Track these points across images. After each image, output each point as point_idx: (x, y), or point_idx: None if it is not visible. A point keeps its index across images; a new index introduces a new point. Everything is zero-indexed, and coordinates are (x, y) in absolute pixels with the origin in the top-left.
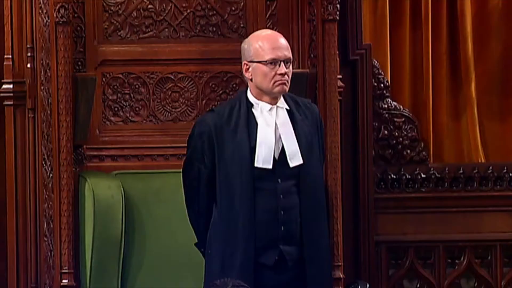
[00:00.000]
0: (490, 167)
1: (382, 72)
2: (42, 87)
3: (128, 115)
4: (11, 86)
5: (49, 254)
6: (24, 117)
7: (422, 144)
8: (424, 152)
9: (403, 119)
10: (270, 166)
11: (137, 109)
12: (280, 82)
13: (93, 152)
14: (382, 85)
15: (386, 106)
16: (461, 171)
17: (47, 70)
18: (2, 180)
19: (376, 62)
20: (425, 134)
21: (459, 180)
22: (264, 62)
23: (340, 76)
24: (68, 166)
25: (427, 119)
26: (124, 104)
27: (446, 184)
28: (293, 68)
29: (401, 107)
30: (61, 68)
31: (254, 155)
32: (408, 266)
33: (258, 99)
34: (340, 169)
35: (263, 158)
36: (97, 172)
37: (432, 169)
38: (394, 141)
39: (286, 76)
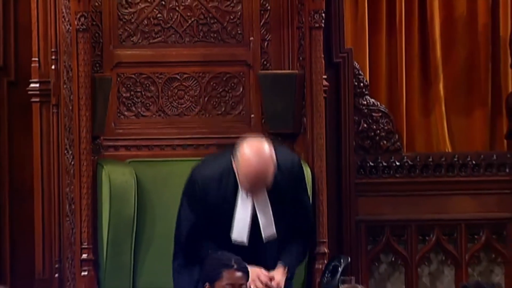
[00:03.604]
0: (456, 156)
1: (362, 73)
2: (64, 86)
3: (139, 110)
4: (37, 85)
5: (71, 231)
6: (49, 112)
7: (397, 136)
8: (398, 143)
9: (380, 114)
10: (246, 243)
11: (147, 105)
12: (257, 192)
13: (109, 143)
14: (361, 84)
15: (365, 102)
16: (430, 159)
17: (69, 71)
18: (30, 167)
19: (356, 64)
20: (399, 127)
21: (429, 167)
22: (241, 182)
23: (325, 76)
24: (87, 155)
25: (401, 114)
26: (136, 100)
27: (417, 170)
28: (283, 70)
29: (378, 103)
30: (81, 69)
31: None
32: (384, 242)
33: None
34: (325, 157)
35: (238, 234)
36: (113, 160)
37: (405, 157)
38: (372, 133)
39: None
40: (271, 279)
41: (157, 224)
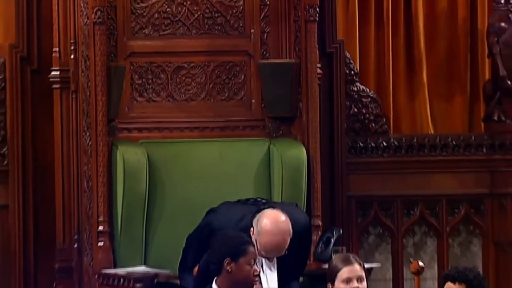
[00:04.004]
0: (438, 137)
1: (352, 62)
2: (82, 74)
3: (151, 96)
4: (58, 73)
5: (88, 206)
6: (69, 97)
7: (384, 119)
8: (385, 126)
9: (369, 99)
10: None
11: (158, 91)
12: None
13: (123, 125)
14: (352, 72)
15: (355, 89)
16: (415, 140)
17: (87, 60)
18: (51, 147)
19: (347, 54)
20: (386, 111)
21: (413, 147)
22: (261, 253)
23: (319, 65)
24: (103, 137)
25: (388, 99)
26: (148, 87)
27: (403, 150)
28: (281, 59)
29: (368, 89)
30: (98, 58)
31: None
32: (373, 215)
33: None
34: (319, 138)
35: None
36: (126, 141)
37: (392, 139)
38: (362, 117)
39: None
40: None
41: (166, 199)
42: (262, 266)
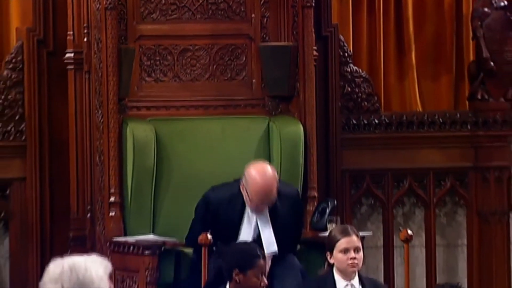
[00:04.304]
0: (426, 115)
1: (346, 45)
2: (95, 55)
3: (158, 76)
4: (72, 54)
5: (100, 179)
6: (82, 77)
7: (376, 98)
8: (377, 104)
9: (361, 79)
10: None
11: (165, 71)
12: (262, 210)
13: (132, 104)
14: (346, 54)
15: (349, 69)
16: (404, 118)
17: (99, 43)
18: (65, 124)
19: (341, 37)
20: (378, 90)
21: (403, 124)
22: (251, 198)
23: (315, 48)
24: (114, 114)
25: (379, 79)
26: (155, 68)
27: (393, 127)
28: (280, 42)
29: (360, 70)
30: (109, 41)
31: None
32: (365, 187)
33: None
34: (315, 116)
35: None
36: (136, 119)
37: (383, 116)
38: (355, 96)
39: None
40: None
41: (173, 172)
42: (257, 223)
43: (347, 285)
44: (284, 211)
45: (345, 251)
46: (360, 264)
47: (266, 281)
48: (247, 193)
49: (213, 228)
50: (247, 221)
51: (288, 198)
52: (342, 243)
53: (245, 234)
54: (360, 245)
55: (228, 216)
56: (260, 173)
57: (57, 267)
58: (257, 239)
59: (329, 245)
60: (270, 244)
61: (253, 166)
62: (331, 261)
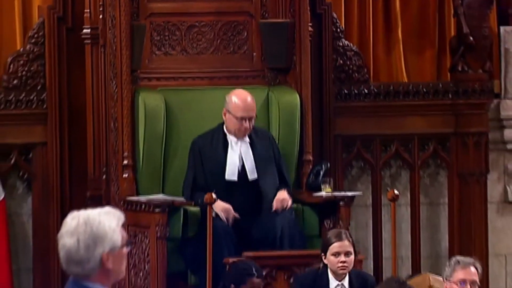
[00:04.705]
0: (411, 85)
1: (338, 21)
2: (109, 31)
3: (167, 50)
4: (89, 30)
5: (115, 143)
6: (98, 51)
7: (365, 70)
8: (366, 75)
9: (352, 53)
10: (236, 179)
11: (173, 46)
12: (244, 132)
13: (144, 75)
14: (338, 30)
15: (341, 44)
16: (391, 88)
17: (113, 20)
18: (83, 93)
19: (334, 14)
20: (367, 62)
21: (390, 93)
22: (235, 116)
23: (310, 24)
24: (127, 84)
25: (368, 53)
26: (165, 42)
27: (381, 96)
28: (278, 19)
29: (351, 44)
30: (123, 18)
31: (224, 170)
32: (356, 152)
33: (229, 133)
34: (310, 86)
35: (231, 174)
36: (147, 89)
37: (372, 86)
38: (347, 68)
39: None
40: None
41: (181, 137)
42: (240, 153)
43: (338, 285)
44: (262, 144)
45: (337, 254)
46: (350, 267)
47: None
48: (229, 114)
49: (202, 167)
50: (231, 153)
51: (264, 134)
52: (334, 246)
53: (232, 166)
54: (351, 249)
55: (213, 153)
56: (237, 90)
57: (73, 220)
58: (242, 169)
59: (324, 246)
60: (252, 171)
61: (232, 92)
62: (325, 261)
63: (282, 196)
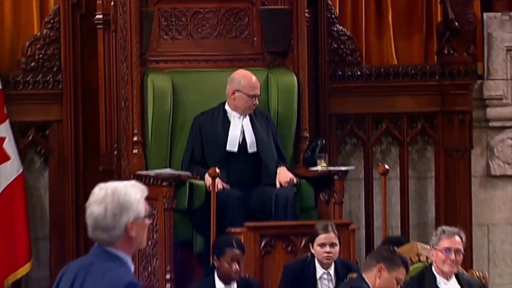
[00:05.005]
0: (400, 67)
1: (333, 8)
2: (120, 17)
3: (174, 34)
4: (101, 16)
5: (125, 121)
6: (109, 36)
7: (358, 53)
8: (359, 58)
9: (346, 37)
10: (236, 150)
11: (180, 31)
12: (253, 108)
13: (152, 58)
14: (333, 16)
15: (335, 29)
16: (382, 70)
17: (123, 6)
18: (95, 75)
19: (329, 1)
20: (360, 46)
21: (381, 75)
22: (247, 94)
23: (307, 10)
24: (137, 66)
25: (361, 37)
26: (172, 28)
27: (373, 78)
28: (277, 6)
29: (345, 29)
30: (132, 5)
31: (226, 142)
32: (349, 129)
33: (232, 110)
34: (307, 68)
35: (232, 145)
36: (155, 70)
37: (364, 68)
38: (341, 51)
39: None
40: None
41: (186, 116)
42: (242, 127)
43: (324, 273)
44: (261, 122)
45: (323, 245)
46: (335, 257)
47: (237, 268)
48: (243, 93)
49: (201, 141)
50: (233, 126)
51: (262, 113)
52: (320, 238)
53: (233, 138)
54: (336, 241)
55: (213, 127)
56: (241, 71)
57: (101, 190)
58: (242, 142)
59: (311, 237)
60: (252, 144)
61: (235, 73)
62: (312, 251)
63: (287, 175)
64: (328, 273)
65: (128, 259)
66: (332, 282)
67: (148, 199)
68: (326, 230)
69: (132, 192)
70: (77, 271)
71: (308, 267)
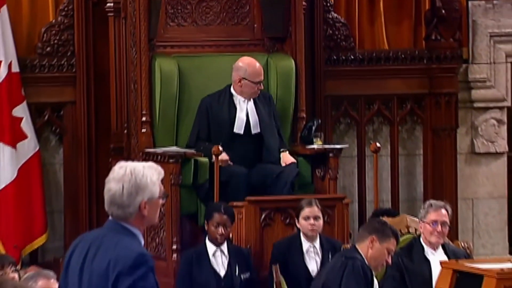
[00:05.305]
0: (391, 52)
1: None
2: (130, 5)
3: (180, 21)
4: (112, 4)
5: (134, 102)
6: (120, 22)
7: (352, 39)
8: (352, 43)
9: (340, 24)
10: (242, 132)
11: (185, 18)
12: (258, 93)
13: (159, 43)
14: (328, 4)
15: (331, 16)
16: (374, 54)
17: None
18: (107, 59)
19: None
20: (353, 33)
21: (373, 59)
22: (252, 81)
23: None
24: (145, 51)
25: (354, 24)
26: (178, 15)
27: (365, 62)
28: None
29: (340, 17)
30: None
31: (233, 125)
32: (343, 109)
33: (238, 94)
34: (304, 52)
35: (239, 128)
36: (162, 55)
37: (357, 53)
38: (335, 37)
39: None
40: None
41: (192, 97)
42: (247, 110)
43: (310, 246)
44: (264, 104)
45: (307, 218)
46: (319, 230)
47: (222, 232)
48: (249, 81)
49: (208, 122)
50: (239, 110)
51: (265, 95)
52: (305, 212)
53: (240, 121)
54: (320, 215)
55: (220, 109)
56: (246, 59)
57: (121, 169)
58: (247, 124)
59: (297, 212)
60: (255, 126)
61: (240, 60)
62: (298, 225)
63: (290, 159)
64: (314, 247)
65: (139, 234)
66: (319, 255)
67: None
68: (310, 205)
69: (149, 174)
70: (92, 241)
71: (294, 242)
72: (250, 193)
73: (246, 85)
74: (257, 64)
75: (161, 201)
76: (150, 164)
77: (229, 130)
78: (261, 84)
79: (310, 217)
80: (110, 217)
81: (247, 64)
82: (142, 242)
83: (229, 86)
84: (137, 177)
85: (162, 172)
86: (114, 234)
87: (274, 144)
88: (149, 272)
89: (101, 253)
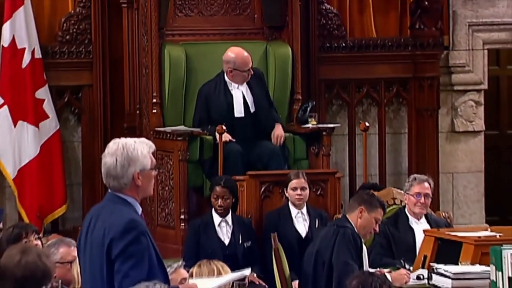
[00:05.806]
0: (379, 40)
1: None
2: None
3: (187, 12)
4: None
5: (146, 85)
6: (133, 13)
7: (343, 28)
8: (344, 32)
9: (333, 14)
10: (243, 115)
11: (192, 8)
12: (248, 78)
13: (168, 32)
14: None
15: (324, 7)
16: (363, 42)
17: None
18: (121, 46)
19: None
20: (344, 22)
21: (363, 46)
22: (242, 70)
23: None
24: (156, 39)
25: (346, 14)
26: (185, 6)
27: (355, 49)
28: None
29: (332, 8)
30: None
31: (231, 110)
32: (335, 92)
33: (231, 81)
34: (299, 40)
35: (239, 112)
36: (171, 43)
37: (348, 41)
38: (328, 26)
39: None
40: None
41: (198, 81)
42: (242, 93)
43: (298, 212)
44: (256, 83)
45: (294, 189)
46: (305, 199)
47: (222, 204)
48: (239, 71)
49: (207, 109)
50: (236, 95)
51: (256, 73)
52: (293, 183)
53: (238, 105)
54: (306, 186)
55: (217, 98)
56: (234, 49)
57: (114, 144)
58: (245, 105)
59: (286, 183)
60: (252, 105)
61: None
62: (287, 195)
63: (279, 133)
64: (302, 213)
65: (136, 203)
66: (306, 221)
67: (165, 151)
68: (297, 176)
69: (139, 147)
70: (93, 213)
71: (283, 211)
72: (248, 168)
73: (237, 75)
74: (245, 53)
75: (153, 173)
76: (142, 139)
77: (229, 115)
78: (251, 70)
79: (297, 188)
80: (109, 190)
81: (235, 54)
82: (140, 211)
83: (223, 73)
84: (128, 150)
85: (153, 146)
86: (112, 204)
87: (267, 120)
88: (140, 236)
89: (99, 223)
